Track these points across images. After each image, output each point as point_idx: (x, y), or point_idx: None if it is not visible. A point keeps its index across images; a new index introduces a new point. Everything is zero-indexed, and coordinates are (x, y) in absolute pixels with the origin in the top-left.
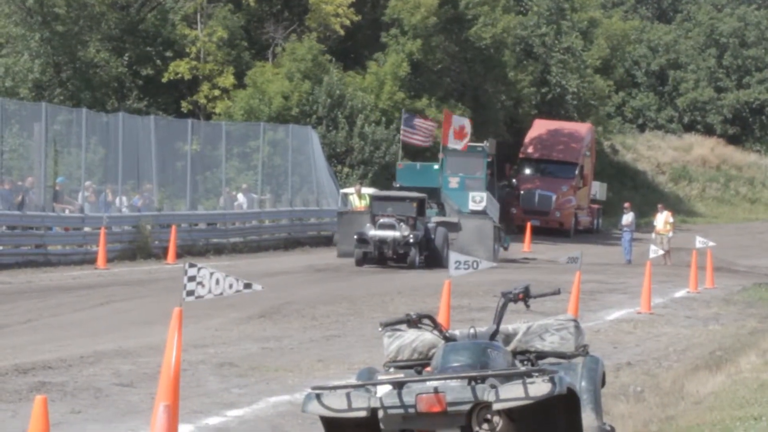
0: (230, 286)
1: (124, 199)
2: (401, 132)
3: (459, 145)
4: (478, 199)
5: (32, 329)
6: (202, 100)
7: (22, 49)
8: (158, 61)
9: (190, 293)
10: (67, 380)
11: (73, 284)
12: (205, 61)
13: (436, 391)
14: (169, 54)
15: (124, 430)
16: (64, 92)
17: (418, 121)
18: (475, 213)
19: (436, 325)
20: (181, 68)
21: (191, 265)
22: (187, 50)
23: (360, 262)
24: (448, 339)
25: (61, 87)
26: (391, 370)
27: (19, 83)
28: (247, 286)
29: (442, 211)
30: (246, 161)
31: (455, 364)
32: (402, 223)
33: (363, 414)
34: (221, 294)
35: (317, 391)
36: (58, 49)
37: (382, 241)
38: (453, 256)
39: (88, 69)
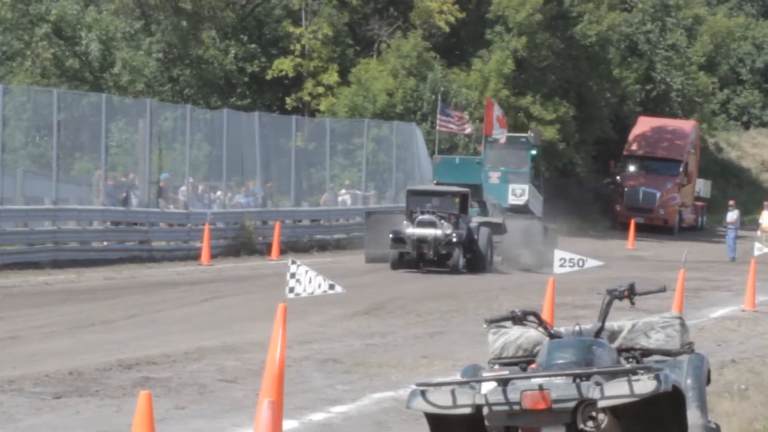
0: (319, 286)
1: (227, 195)
2: (438, 121)
3: (502, 136)
4: (519, 193)
5: (136, 325)
6: (307, 98)
7: (138, 42)
8: (263, 59)
9: (291, 290)
10: (171, 376)
11: (177, 280)
12: (310, 58)
13: (541, 388)
14: (273, 51)
15: (228, 426)
16: (173, 88)
17: (452, 111)
18: (515, 208)
19: (541, 322)
20: (285, 65)
21: (293, 262)
22: (292, 47)
23: (396, 265)
24: (553, 336)
25: (171, 83)
26: (496, 366)
27: (136, 78)
28: (331, 287)
29: (483, 210)
30: (350, 158)
31: (560, 361)
32: (443, 221)
33: (468, 411)
34: (312, 293)
35: (422, 388)
36: (172, 45)
37: (421, 240)
38: (558, 254)
39: (199, 65)
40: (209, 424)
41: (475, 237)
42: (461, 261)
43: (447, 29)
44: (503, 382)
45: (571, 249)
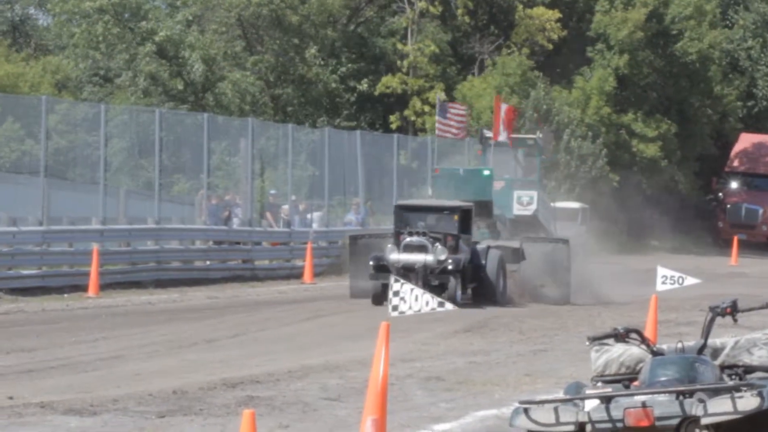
0: (426, 303)
1: (329, 213)
2: (436, 124)
3: (504, 138)
4: (526, 201)
5: (239, 343)
6: (412, 116)
7: (241, 62)
8: (369, 76)
9: (395, 308)
10: (275, 394)
11: (280, 299)
12: (415, 76)
13: (644, 405)
14: (374, 68)
15: None
16: (276, 107)
17: (451, 108)
18: (523, 219)
19: (643, 340)
20: (393, 83)
21: (396, 280)
22: (398, 65)
23: (378, 299)
24: (655, 353)
25: (274, 102)
26: (599, 384)
27: (241, 99)
28: (441, 304)
29: (494, 231)
30: None
31: (663, 379)
32: (437, 244)
33: (571, 428)
34: (419, 311)
35: (525, 406)
36: (275, 64)
37: (407, 269)
38: (660, 271)
39: (301, 84)
40: None
41: (483, 262)
42: (458, 293)
43: (550, 47)
44: (606, 400)
45: (673, 266)
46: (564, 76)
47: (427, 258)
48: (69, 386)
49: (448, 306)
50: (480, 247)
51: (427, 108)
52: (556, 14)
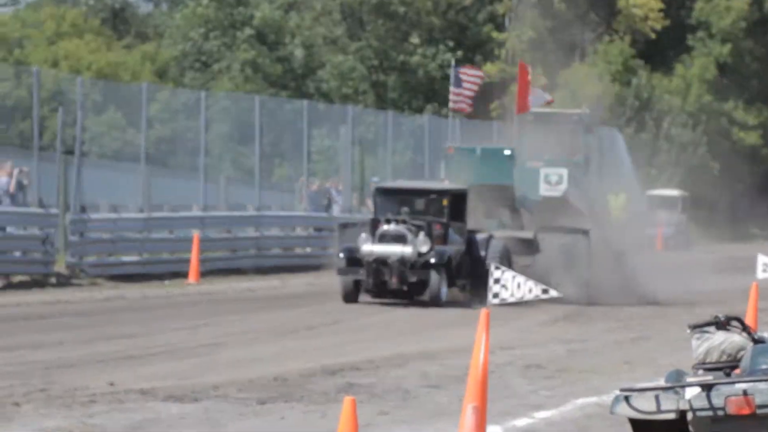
0: (530, 291)
1: None
2: (450, 96)
3: (541, 99)
4: (555, 180)
5: (339, 331)
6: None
7: (342, 47)
8: (467, 64)
9: (496, 295)
10: (374, 382)
11: None
12: (514, 63)
13: (745, 393)
14: (472, 55)
15: (432, 431)
16: (376, 94)
17: (464, 75)
18: (550, 201)
19: (744, 327)
20: (491, 71)
21: (496, 268)
22: (496, 53)
23: (350, 297)
24: (756, 341)
25: (375, 88)
26: (700, 372)
27: (343, 83)
28: (545, 291)
29: (516, 220)
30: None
31: (764, 366)
32: (421, 233)
33: (672, 416)
34: (522, 298)
35: (626, 393)
36: (378, 50)
37: (380, 262)
38: (761, 259)
39: (403, 70)
40: (413, 429)
41: (482, 254)
42: (443, 291)
43: (653, 36)
44: (707, 388)
45: None
46: (664, 63)
47: (405, 250)
48: (169, 373)
49: (553, 293)
50: (480, 237)
51: None
52: (659, 4)
